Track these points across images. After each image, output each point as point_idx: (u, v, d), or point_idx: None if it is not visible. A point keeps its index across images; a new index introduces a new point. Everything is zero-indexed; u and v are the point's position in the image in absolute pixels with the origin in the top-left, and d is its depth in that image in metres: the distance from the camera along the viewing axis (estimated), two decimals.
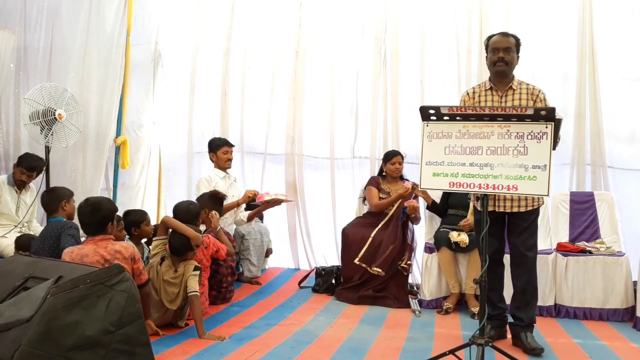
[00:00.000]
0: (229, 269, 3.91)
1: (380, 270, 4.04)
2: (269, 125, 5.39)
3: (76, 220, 3.09)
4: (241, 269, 4.65)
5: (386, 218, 4.32)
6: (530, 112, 2.45)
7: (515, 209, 3.02)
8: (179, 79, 5.55)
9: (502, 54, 3.03)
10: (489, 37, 3.13)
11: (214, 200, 4.02)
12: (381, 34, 5.08)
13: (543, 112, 2.44)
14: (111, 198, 4.80)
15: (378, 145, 5.04)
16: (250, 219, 4.57)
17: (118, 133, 4.82)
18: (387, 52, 5.08)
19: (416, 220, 4.42)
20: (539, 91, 3.07)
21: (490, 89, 3.12)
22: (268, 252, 5.08)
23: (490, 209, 2.81)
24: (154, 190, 5.52)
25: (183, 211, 3.60)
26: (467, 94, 3.22)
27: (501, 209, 3.03)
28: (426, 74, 4.98)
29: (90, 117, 4.55)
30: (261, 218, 5.03)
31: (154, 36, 5.44)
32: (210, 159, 4.62)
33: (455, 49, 4.90)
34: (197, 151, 5.48)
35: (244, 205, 4.56)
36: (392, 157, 4.52)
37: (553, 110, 2.43)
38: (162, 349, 2.85)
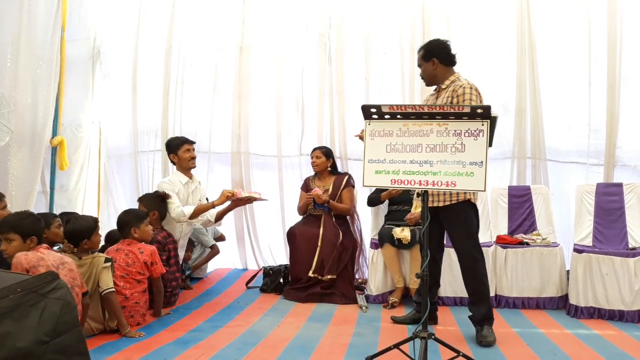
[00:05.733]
0: (172, 274, 3.80)
1: (332, 277, 4.08)
2: (213, 123, 5.31)
3: None
4: (188, 273, 4.55)
5: (322, 220, 4.35)
6: (467, 110, 2.52)
7: (437, 204, 3.12)
8: (121, 76, 5.37)
9: (420, 71, 3.29)
10: None
11: (159, 200, 3.92)
12: (326, 30, 5.09)
13: (479, 110, 2.50)
14: (48, 201, 4.62)
15: (325, 142, 5.03)
16: (218, 218, 4.26)
17: (54, 133, 4.60)
18: (332, 48, 5.09)
19: (336, 208, 4.36)
20: (460, 87, 3.07)
21: (433, 93, 3.34)
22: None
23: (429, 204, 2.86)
24: (94, 192, 5.33)
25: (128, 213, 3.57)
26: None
27: (431, 204, 3.12)
28: (371, 71, 5.03)
29: (24, 117, 4.32)
30: None
31: (92, 32, 5.23)
32: (172, 161, 4.23)
33: (399, 46, 4.96)
34: (141, 150, 5.34)
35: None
36: (312, 152, 4.59)
37: (489, 108, 2.49)
38: (104, 356, 2.76)
